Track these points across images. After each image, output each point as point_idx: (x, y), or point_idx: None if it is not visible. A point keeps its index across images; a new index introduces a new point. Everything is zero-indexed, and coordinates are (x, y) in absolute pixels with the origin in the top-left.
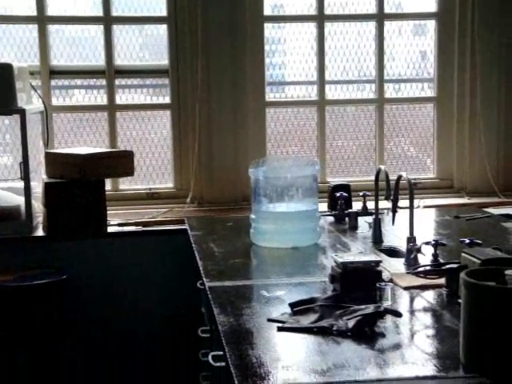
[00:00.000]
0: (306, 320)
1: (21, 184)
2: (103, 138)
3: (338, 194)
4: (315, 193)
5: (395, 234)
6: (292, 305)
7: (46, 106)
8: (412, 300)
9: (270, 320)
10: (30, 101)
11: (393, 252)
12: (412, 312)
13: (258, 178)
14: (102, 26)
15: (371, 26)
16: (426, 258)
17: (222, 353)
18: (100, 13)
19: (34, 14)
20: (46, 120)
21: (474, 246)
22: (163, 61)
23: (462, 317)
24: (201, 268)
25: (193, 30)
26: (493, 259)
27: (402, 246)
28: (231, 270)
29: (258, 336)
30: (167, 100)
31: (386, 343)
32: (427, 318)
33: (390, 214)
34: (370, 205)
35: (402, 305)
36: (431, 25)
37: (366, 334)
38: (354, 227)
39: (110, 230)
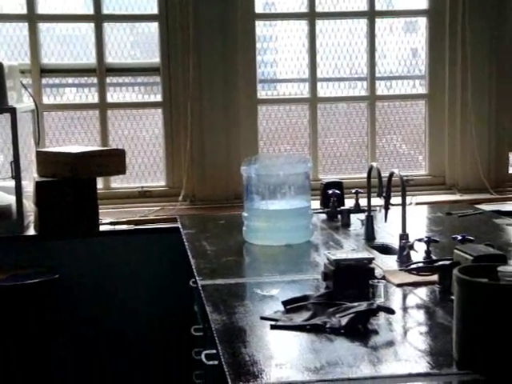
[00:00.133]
0: (299, 318)
1: (12, 183)
2: (95, 137)
3: (330, 192)
4: (308, 190)
5: (388, 231)
6: (285, 303)
7: (36, 104)
8: (405, 297)
9: (262, 318)
10: (21, 99)
11: (385, 249)
12: (405, 309)
13: (251, 176)
14: (92, 24)
15: (362, 23)
16: (418, 255)
17: (215, 351)
18: (91, 11)
19: (25, 12)
20: (37, 119)
21: (467, 243)
22: (154, 59)
23: (455, 313)
24: (193, 266)
25: (184, 27)
26: (485, 255)
27: (395, 243)
28: (224, 268)
29: (251, 334)
30: (159, 98)
31: (379, 340)
32: (420, 315)
33: (383, 211)
34: (363, 202)
35: (395, 302)
36: (422, 22)
37: (359, 331)
38: (346, 224)
39: (102, 228)
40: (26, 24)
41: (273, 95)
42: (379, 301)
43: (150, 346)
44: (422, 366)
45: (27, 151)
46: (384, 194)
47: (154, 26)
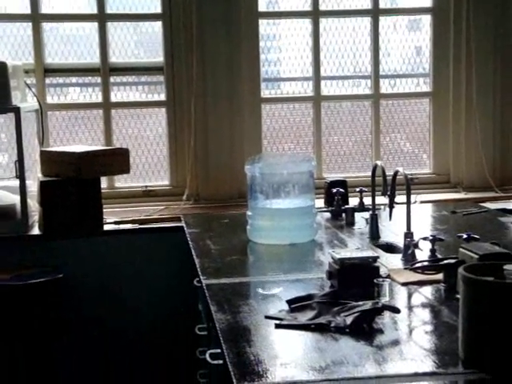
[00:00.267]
0: (304, 317)
1: (16, 183)
2: (98, 136)
3: (334, 190)
4: (312, 189)
5: (392, 230)
6: (289, 302)
7: (40, 104)
8: (410, 296)
9: (267, 317)
10: (25, 99)
11: (390, 248)
12: (410, 308)
13: (255, 175)
14: (96, 24)
15: (366, 21)
16: (423, 254)
17: (219, 350)
18: (94, 10)
19: (29, 11)
20: (41, 118)
21: (472, 241)
22: (158, 58)
23: (461, 312)
24: (197, 265)
25: (188, 26)
26: (491, 254)
27: (400, 242)
28: (228, 267)
29: (255, 333)
30: (162, 97)
31: (384, 339)
32: (425, 314)
33: (387, 209)
34: (367, 200)
35: (400, 301)
36: (426, 20)
37: (364, 330)
38: (350, 223)
39: (106, 228)
40: (30, 24)
41: (276, 94)
42: (384, 300)
43: (154, 345)
44: (427, 365)
45: (31, 151)
46: (388, 193)
47: (157, 26)
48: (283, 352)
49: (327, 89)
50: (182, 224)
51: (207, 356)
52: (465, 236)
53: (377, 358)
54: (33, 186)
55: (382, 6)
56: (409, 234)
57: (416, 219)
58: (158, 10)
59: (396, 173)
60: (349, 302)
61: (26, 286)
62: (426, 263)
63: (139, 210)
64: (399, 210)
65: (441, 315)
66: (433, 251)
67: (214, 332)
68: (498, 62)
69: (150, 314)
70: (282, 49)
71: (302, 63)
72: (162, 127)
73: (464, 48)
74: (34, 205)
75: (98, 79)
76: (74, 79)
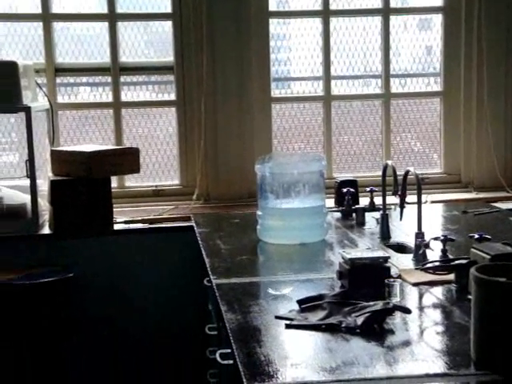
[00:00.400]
0: (314, 317)
1: (27, 182)
2: (109, 136)
3: (344, 190)
4: (322, 189)
5: (403, 230)
6: (300, 302)
7: (51, 103)
8: (421, 296)
9: (277, 317)
10: (36, 98)
11: (401, 248)
12: (421, 308)
13: (265, 174)
14: (106, 24)
15: (377, 20)
16: (434, 254)
17: (229, 350)
18: (105, 10)
19: (39, 11)
20: (52, 118)
21: (484, 241)
22: (168, 57)
23: (473, 313)
24: (207, 265)
25: (198, 26)
26: (503, 254)
27: (410, 242)
28: (238, 267)
29: (265, 333)
30: (172, 97)
31: (395, 340)
32: (437, 315)
33: (398, 209)
34: (378, 200)
35: (411, 301)
36: (437, 19)
37: (375, 330)
38: (361, 223)
39: (116, 227)
40: (41, 23)
41: (287, 93)
42: (395, 300)
43: (164, 345)
44: (439, 366)
45: (42, 150)
46: (399, 193)
47: (167, 25)
48: (293, 352)
49: (337, 88)
50: (192, 224)
51: (217, 356)
52: (476, 236)
53: (388, 358)
54: (43, 186)
55: (392, 5)
56: (420, 234)
57: (427, 219)
58: (168, 9)
59: (407, 172)
60: (359, 302)
61: (36, 286)
62: (437, 263)
63: (149, 210)
64: (410, 210)
65: (452, 316)
66: (444, 251)
67: (224, 332)
68: (509, 60)
69: (159, 314)
70: (292, 48)
71: (312, 63)
72: (172, 127)
73: (475, 47)
74: (44, 204)
75: (109, 79)
76: (84, 79)
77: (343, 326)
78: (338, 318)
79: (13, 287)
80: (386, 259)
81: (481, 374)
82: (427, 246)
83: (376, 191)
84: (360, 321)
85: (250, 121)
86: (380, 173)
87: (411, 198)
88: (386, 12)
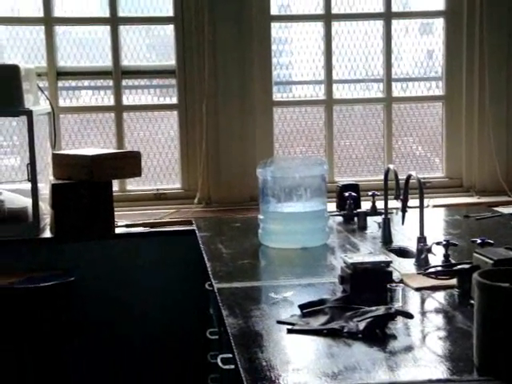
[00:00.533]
0: (316, 322)
1: (28, 185)
2: (110, 139)
3: (346, 194)
4: (324, 193)
5: (405, 234)
6: (302, 306)
7: (53, 107)
8: (423, 301)
9: (279, 322)
10: (37, 102)
11: (403, 252)
12: (423, 313)
13: (266, 178)
14: (108, 27)
15: (379, 24)
16: (436, 259)
17: (231, 355)
18: (107, 14)
19: (41, 15)
20: (54, 121)
21: (486, 246)
22: (170, 61)
23: (476, 318)
24: (209, 269)
25: (200, 30)
26: (506, 259)
27: (412, 246)
28: (240, 271)
29: (267, 338)
30: (174, 100)
31: (397, 345)
32: (439, 320)
33: (400, 213)
34: (379, 204)
35: (413, 306)
36: (439, 23)
37: (377, 335)
38: (363, 227)
39: (118, 231)
40: (43, 27)
41: (288, 97)
42: (397, 305)
43: (165, 349)
44: (441, 371)
45: (43, 154)
46: (401, 197)
47: (169, 29)
48: (295, 357)
49: (339, 92)
50: (194, 227)
51: (218, 361)
52: (479, 241)
53: (390, 364)
54: (45, 189)
55: (394, 9)
56: (422, 239)
57: (429, 223)
58: (170, 13)
59: (409, 177)
60: (361, 307)
61: (37, 289)
62: (439, 268)
63: (150, 214)
64: (411, 214)
65: (455, 321)
66: (446, 256)
67: (226, 336)
68: (511, 64)
69: (160, 317)
70: (294, 52)
71: (313, 67)
72: (173, 130)
73: (477, 51)
74: (45, 208)
75: (110, 82)
76: (86, 82)
77: (345, 331)
78: (340, 323)
79: (14, 291)
80: (388, 264)
81: (483, 379)
82: (429, 250)
83: (378, 195)
84: (362, 326)
85: (252, 125)
86: (382, 177)
87: (413, 202)
88: (387, 16)
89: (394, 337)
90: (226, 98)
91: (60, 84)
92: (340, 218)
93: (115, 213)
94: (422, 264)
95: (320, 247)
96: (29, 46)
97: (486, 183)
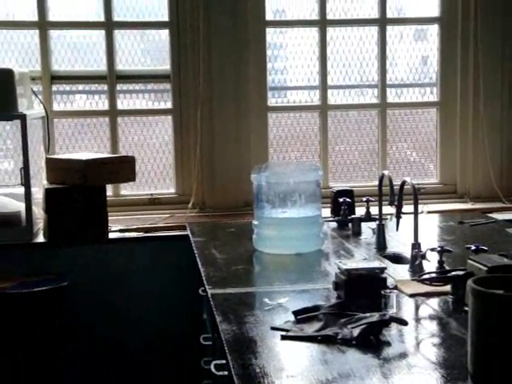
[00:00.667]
0: (310, 328)
1: (21, 190)
2: (104, 144)
3: (341, 200)
4: (318, 198)
5: (399, 240)
6: (296, 313)
7: (47, 111)
8: (417, 308)
9: (273, 328)
10: (31, 106)
11: (397, 258)
12: (418, 320)
13: (261, 184)
14: (103, 31)
15: (373, 30)
16: (431, 265)
17: (224, 361)
18: (101, 18)
19: (36, 19)
20: (47, 125)
21: (480, 253)
22: (165, 66)
23: (470, 325)
24: (203, 275)
25: (194, 35)
26: (500, 266)
27: (407, 253)
28: (234, 277)
29: (261, 345)
30: (169, 105)
31: (391, 352)
32: (433, 326)
33: (394, 219)
34: (374, 210)
35: (408, 312)
36: (433, 29)
37: (372, 342)
38: (357, 233)
39: (111, 236)
40: (37, 31)
41: (283, 102)
42: (391, 311)
43: (159, 354)
44: (435, 378)
45: (37, 158)
46: (396, 203)
47: (164, 34)
48: (289, 364)
49: (334, 98)
50: (188, 232)
51: (212, 367)
52: (473, 247)
53: (384, 370)
54: (38, 194)
55: (389, 15)
56: (416, 245)
57: (423, 229)
58: (165, 18)
59: (403, 183)
60: (356, 313)
61: (31, 294)
62: (433, 275)
63: (144, 218)
64: (406, 221)
65: (449, 328)
66: (441, 262)
67: (219, 342)
68: (505, 71)
69: (154, 322)
70: (289, 57)
71: (308, 72)
72: (168, 135)
73: (471, 58)
74: (38, 212)
75: (105, 87)
76: (80, 86)
77: (339, 337)
78: (334, 330)
79: (7, 296)
80: (382, 270)
81: None
82: (424, 256)
83: (372, 201)
84: (356, 332)
85: (247, 130)
86: (376, 182)
87: (407, 208)
88: (382, 22)
89: (388, 343)
90: (220, 102)
91: (54, 88)
92: (334, 224)
93: (109, 217)
94: (417, 270)
95: (314, 253)
96: (23, 49)
97: (480, 189)
